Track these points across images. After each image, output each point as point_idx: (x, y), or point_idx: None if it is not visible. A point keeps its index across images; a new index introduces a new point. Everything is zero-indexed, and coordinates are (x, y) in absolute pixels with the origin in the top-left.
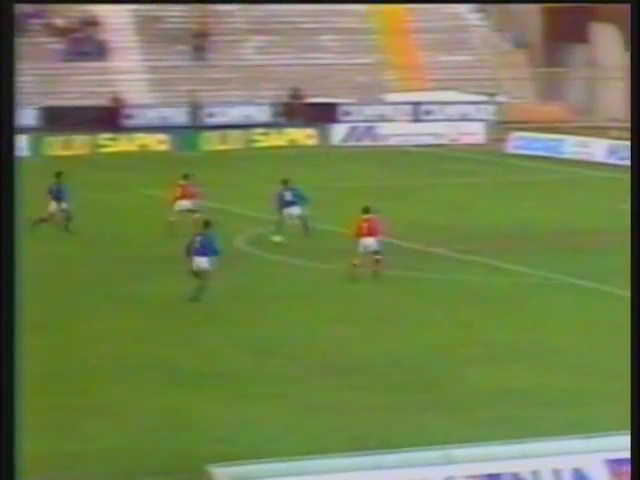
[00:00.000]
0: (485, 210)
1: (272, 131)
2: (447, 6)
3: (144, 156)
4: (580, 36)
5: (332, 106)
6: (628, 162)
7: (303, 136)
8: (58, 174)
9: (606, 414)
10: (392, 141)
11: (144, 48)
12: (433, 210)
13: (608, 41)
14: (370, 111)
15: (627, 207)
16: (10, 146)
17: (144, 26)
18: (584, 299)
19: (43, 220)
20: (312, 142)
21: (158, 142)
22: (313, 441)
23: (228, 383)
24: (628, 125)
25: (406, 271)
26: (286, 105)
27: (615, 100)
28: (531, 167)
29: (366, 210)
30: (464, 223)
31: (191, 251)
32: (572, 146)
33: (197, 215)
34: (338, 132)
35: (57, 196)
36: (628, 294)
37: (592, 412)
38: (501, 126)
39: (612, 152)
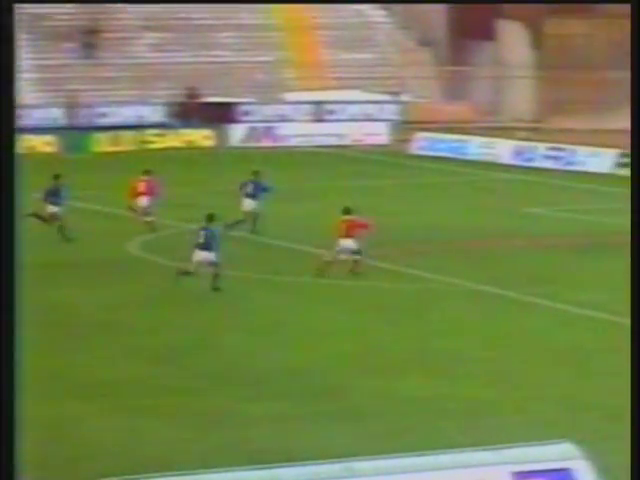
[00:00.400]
0: (388, 214)
1: (167, 132)
2: None
3: (30, 158)
4: (486, 34)
5: (230, 106)
6: (534, 163)
7: (200, 137)
8: None
9: (512, 424)
10: (293, 142)
11: (30, 47)
12: (335, 214)
13: (514, 39)
14: (270, 111)
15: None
16: (10, 145)
17: (30, 24)
18: (489, 306)
19: None
20: (209, 143)
21: (45, 144)
22: (210, 455)
23: (121, 394)
24: (534, 125)
25: (309, 277)
26: (182, 105)
27: (521, 100)
28: (436, 169)
29: (347, 211)
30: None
31: (194, 245)
32: (477, 147)
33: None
34: (237, 133)
35: None
36: (533, 300)
37: (498, 422)
38: (405, 126)
39: (518, 153)
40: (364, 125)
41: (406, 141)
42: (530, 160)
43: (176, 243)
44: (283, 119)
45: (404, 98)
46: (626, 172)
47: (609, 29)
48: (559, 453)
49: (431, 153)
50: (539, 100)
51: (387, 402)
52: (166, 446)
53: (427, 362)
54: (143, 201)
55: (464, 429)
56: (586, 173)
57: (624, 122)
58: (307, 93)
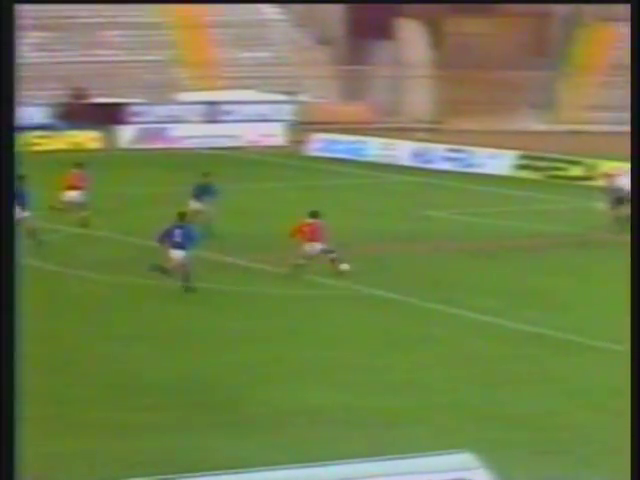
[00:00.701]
0: (284, 217)
1: (52, 134)
2: None
3: None
4: (385, 33)
5: (119, 106)
6: (433, 165)
7: (87, 139)
8: None
9: (412, 434)
10: (186, 143)
11: None
12: (229, 217)
13: (413, 38)
14: (161, 111)
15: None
16: (10, 145)
17: None
18: (388, 312)
19: None
20: (97, 145)
21: None
22: (98, 466)
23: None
24: (434, 126)
25: (201, 283)
26: (67, 106)
27: (421, 100)
28: (333, 170)
29: (314, 214)
30: (263, 231)
31: (169, 243)
32: (376, 148)
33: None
34: (126, 134)
35: None
36: (433, 306)
37: (398, 432)
38: (302, 127)
39: (417, 155)
40: (259, 126)
41: (303, 142)
42: (429, 162)
43: (64, 247)
44: (175, 120)
45: (301, 98)
46: (525, 174)
47: (510, 28)
48: (459, 463)
49: (328, 155)
50: (439, 100)
51: (283, 412)
52: (51, 458)
53: (324, 371)
54: (75, 195)
55: (363, 439)
56: (485, 175)
57: (523, 123)
58: (201, 93)
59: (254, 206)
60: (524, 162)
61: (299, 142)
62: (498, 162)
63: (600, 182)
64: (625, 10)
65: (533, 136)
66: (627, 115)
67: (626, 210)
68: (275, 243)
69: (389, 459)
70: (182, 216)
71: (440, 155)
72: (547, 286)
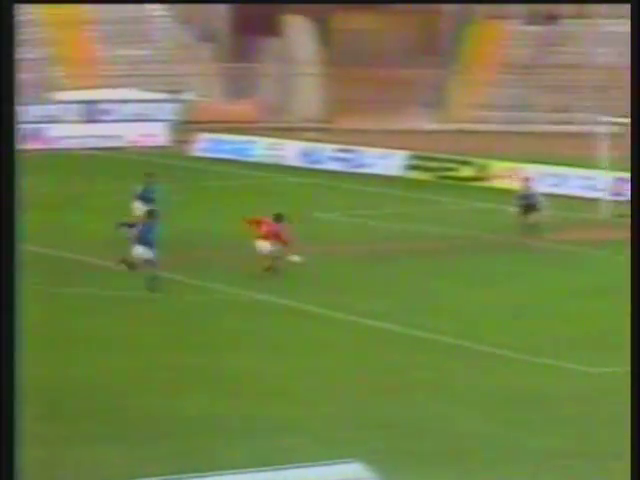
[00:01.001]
0: (168, 220)
1: None
2: None
3: None
4: (272, 29)
5: None
6: (322, 165)
7: None
8: None
9: (302, 443)
10: (63, 144)
11: None
12: (111, 220)
13: (301, 35)
14: (37, 111)
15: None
16: (10, 145)
17: None
18: (279, 318)
19: None
20: None
21: None
22: None
23: None
24: (323, 125)
25: (84, 287)
26: None
27: (309, 99)
28: (219, 171)
29: (278, 218)
30: None
31: (137, 241)
32: (263, 149)
33: None
34: None
35: None
36: (324, 311)
37: (287, 441)
38: (186, 127)
39: (306, 155)
40: (141, 126)
41: (187, 142)
42: (318, 162)
43: None
44: (52, 120)
45: (184, 97)
46: (415, 174)
47: (399, 25)
48: (348, 473)
49: (214, 155)
50: (327, 99)
51: (168, 422)
52: None
53: (212, 378)
54: None
55: (247, 449)
56: (375, 176)
57: (414, 122)
58: (79, 92)
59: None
60: (414, 162)
61: (183, 142)
62: (388, 162)
63: (513, 185)
64: (516, 8)
65: (424, 136)
66: (519, 114)
67: (536, 217)
68: (159, 247)
69: (274, 469)
70: (151, 214)
71: (329, 155)
72: (438, 290)
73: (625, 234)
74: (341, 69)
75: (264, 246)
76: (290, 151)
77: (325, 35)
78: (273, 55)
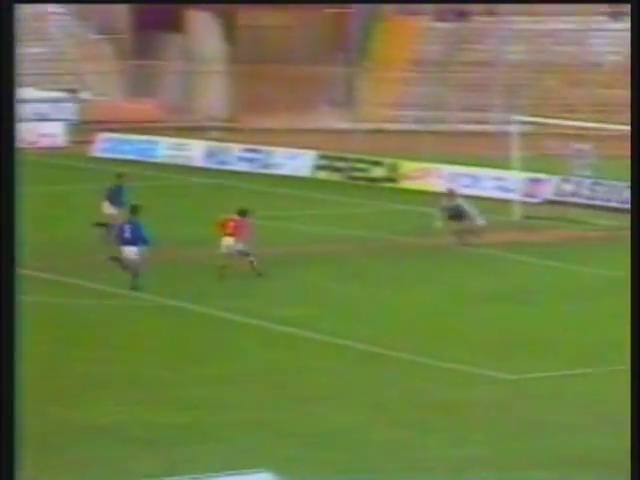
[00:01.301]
0: (67, 222)
1: None
2: None
3: None
4: (174, 25)
5: None
6: (229, 166)
7: None
8: None
9: (208, 452)
10: None
11: None
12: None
13: (205, 31)
14: None
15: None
16: (10, 148)
17: None
18: (181, 322)
19: None
20: None
21: None
22: None
23: None
24: (229, 125)
25: None
26: None
27: (215, 97)
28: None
29: (242, 212)
30: (41, 237)
31: (119, 240)
32: (167, 149)
33: None
34: None
35: None
36: (230, 316)
37: (192, 450)
38: (85, 127)
39: (211, 155)
40: (37, 126)
41: (86, 143)
42: (224, 162)
43: None
44: None
45: (83, 96)
46: (324, 175)
47: (308, 21)
48: None
49: (115, 155)
50: (234, 97)
51: (69, 430)
52: None
53: (112, 385)
54: None
55: (154, 458)
56: (284, 176)
57: (323, 121)
58: None
59: (36, 211)
60: (324, 163)
61: (82, 142)
62: (297, 163)
63: (426, 186)
64: (426, 5)
65: (334, 135)
66: (430, 113)
67: (466, 225)
68: (56, 250)
69: (183, 479)
70: (134, 211)
71: (236, 155)
72: (350, 295)
73: (537, 237)
74: (248, 66)
75: (227, 243)
76: (195, 151)
77: (231, 31)
78: (176, 52)
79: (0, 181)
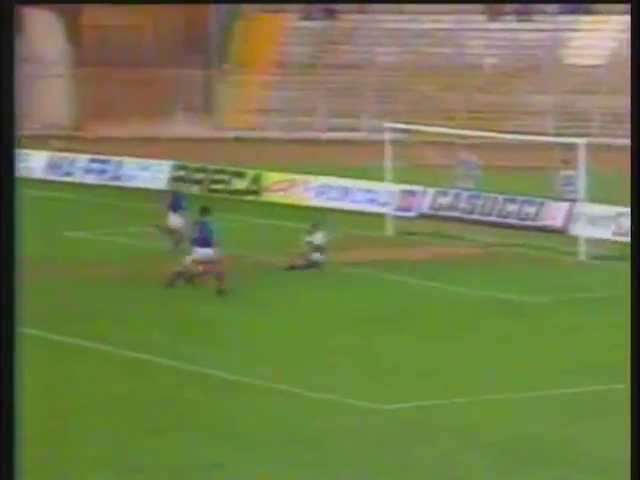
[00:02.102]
0: None
1: None
2: None
3: None
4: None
5: None
6: (73, 178)
7: None
8: None
9: None
10: None
11: None
12: None
13: (47, 32)
14: None
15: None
16: (10, 150)
17: None
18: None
19: None
20: None
21: None
22: None
23: None
24: (72, 133)
25: None
26: None
27: (56, 103)
28: None
29: (204, 211)
30: None
31: (194, 241)
32: None
33: None
34: None
35: None
36: (68, 340)
37: None
38: None
39: (53, 166)
40: None
41: None
42: (68, 174)
43: None
44: None
45: None
46: (181, 187)
47: (161, 20)
48: None
49: None
50: (78, 103)
51: None
52: None
53: None
54: None
55: None
56: (135, 189)
57: (179, 129)
58: None
59: None
60: (180, 174)
61: None
62: (150, 174)
63: (292, 199)
64: (299, 6)
65: (191, 144)
66: (296, 120)
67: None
68: None
69: None
70: (204, 212)
71: (81, 166)
72: (208, 317)
73: (411, 254)
74: (93, 70)
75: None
76: (35, 162)
77: (74, 32)
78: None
79: (0, 181)
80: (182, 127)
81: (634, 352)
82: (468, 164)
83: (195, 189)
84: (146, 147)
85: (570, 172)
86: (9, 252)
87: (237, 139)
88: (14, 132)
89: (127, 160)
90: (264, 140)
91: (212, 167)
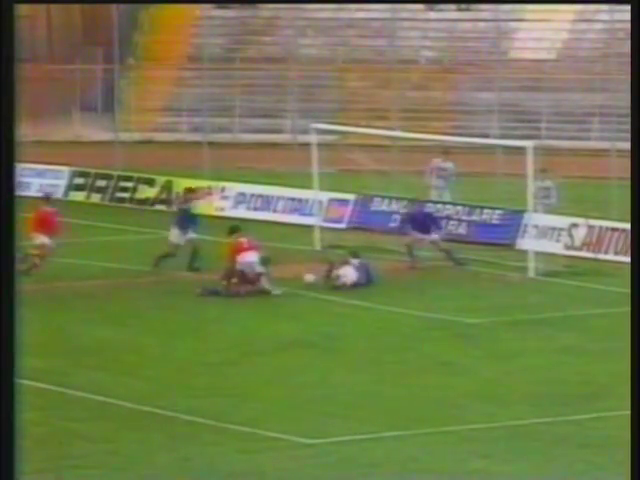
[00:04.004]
0: None
1: None
2: None
3: None
4: None
5: None
6: None
7: None
8: None
9: None
10: None
11: None
12: None
13: None
14: None
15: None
16: (10, 152)
17: None
18: None
19: None
20: None
21: None
22: None
23: None
24: None
25: None
26: None
27: None
28: None
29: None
30: None
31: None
32: None
33: None
34: None
35: None
36: None
37: None
38: None
39: None
40: None
41: None
42: None
43: None
44: None
45: None
46: (80, 196)
47: (55, 10)
48: None
49: None
50: None
51: None
52: None
53: None
54: None
55: None
56: (29, 198)
57: (77, 131)
58: None
59: None
60: (79, 181)
61: None
62: (46, 181)
63: (207, 208)
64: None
65: (91, 148)
66: (210, 120)
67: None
68: None
69: None
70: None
71: None
72: (115, 341)
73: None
74: None
75: (35, 239)
76: None
77: None
78: None
79: (0, 181)
80: (81, 129)
81: (634, 352)
82: (442, 171)
83: (96, 198)
84: (39, 151)
85: (548, 183)
86: (8, 251)
87: (144, 142)
88: (14, 133)
89: (18, 166)
90: (174, 143)
91: (117, 173)
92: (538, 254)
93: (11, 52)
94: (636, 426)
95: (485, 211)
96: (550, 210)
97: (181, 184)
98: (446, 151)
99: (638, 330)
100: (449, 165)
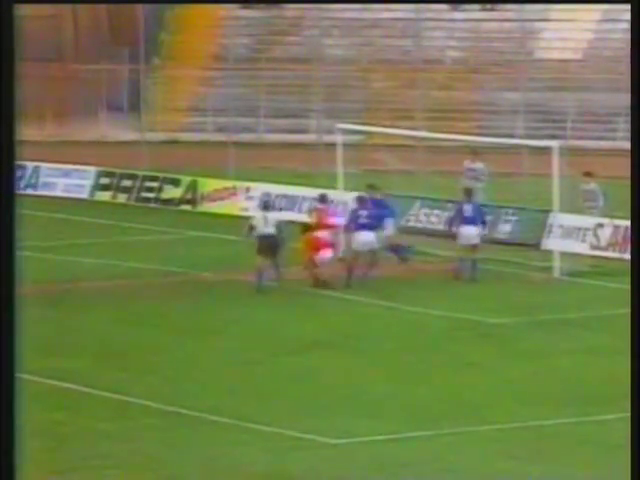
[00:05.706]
0: None
1: None
2: None
3: None
4: None
5: None
6: None
7: None
8: None
9: None
10: None
11: None
12: None
13: None
14: None
15: None
16: (10, 152)
17: None
18: None
19: None
20: None
21: None
22: None
23: None
24: None
25: None
26: None
27: None
28: None
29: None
30: None
31: (457, 222)
32: None
33: None
34: None
35: None
36: None
37: None
38: None
39: None
40: None
41: None
42: None
43: None
44: None
45: None
46: (107, 196)
47: (81, 10)
48: None
49: None
50: None
51: None
52: None
53: None
54: None
55: None
56: (56, 198)
57: (103, 131)
58: None
59: None
60: (106, 181)
61: None
62: (72, 182)
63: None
64: None
65: (118, 147)
66: (236, 120)
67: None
68: None
69: None
70: (468, 193)
71: None
72: (136, 341)
73: (367, 271)
74: None
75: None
76: None
77: None
78: None
79: (0, 181)
80: (107, 129)
81: (634, 351)
82: (471, 172)
83: (122, 198)
84: (66, 151)
85: (592, 186)
86: (8, 251)
87: (169, 142)
88: (15, 132)
89: (44, 166)
90: (200, 143)
91: (142, 173)
92: (563, 254)
93: (11, 52)
94: (636, 426)
95: (510, 211)
96: (600, 214)
97: (206, 184)
98: (474, 151)
99: (638, 330)
100: (479, 166)
